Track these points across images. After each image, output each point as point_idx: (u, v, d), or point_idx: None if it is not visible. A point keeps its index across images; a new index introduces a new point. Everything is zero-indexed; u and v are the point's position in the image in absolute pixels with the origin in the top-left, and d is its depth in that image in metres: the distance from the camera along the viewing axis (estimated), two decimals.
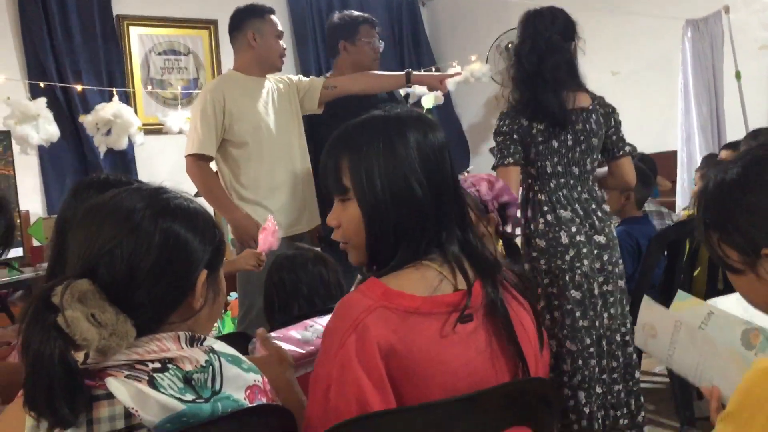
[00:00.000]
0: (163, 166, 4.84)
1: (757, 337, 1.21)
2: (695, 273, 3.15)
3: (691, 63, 4.44)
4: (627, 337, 2.52)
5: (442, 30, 6.58)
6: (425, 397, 1.10)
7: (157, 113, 5.06)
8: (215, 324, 3.50)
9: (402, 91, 4.39)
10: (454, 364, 1.14)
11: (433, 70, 5.85)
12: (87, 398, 0.95)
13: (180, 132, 4.62)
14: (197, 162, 2.95)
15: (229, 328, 3.80)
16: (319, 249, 2.31)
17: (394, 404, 1.09)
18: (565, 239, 2.45)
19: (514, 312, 1.23)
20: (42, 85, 4.49)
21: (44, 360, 0.92)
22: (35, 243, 4.20)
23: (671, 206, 4.29)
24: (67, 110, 4.69)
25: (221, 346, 1.07)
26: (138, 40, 5.17)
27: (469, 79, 5.40)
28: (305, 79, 3.36)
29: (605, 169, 2.68)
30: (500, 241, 2.03)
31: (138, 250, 1.02)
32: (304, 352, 1.46)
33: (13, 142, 4.06)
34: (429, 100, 5.42)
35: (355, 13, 3.53)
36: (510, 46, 4.84)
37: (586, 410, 2.41)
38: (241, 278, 3.02)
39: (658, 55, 4.84)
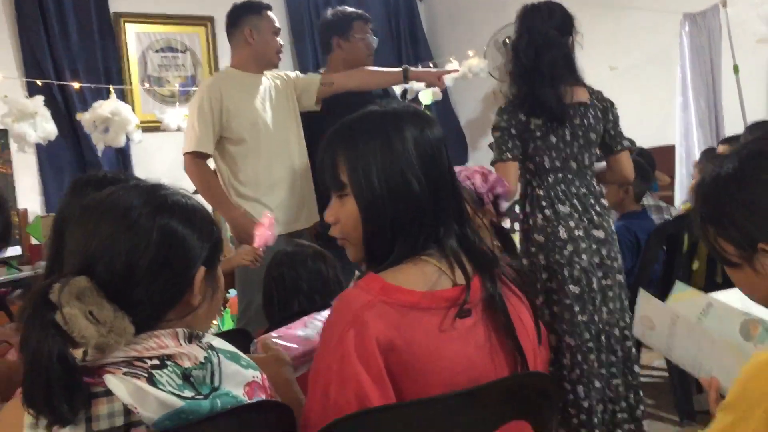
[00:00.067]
0: (161, 163, 4.83)
1: (756, 328, 1.21)
2: (694, 267, 3.15)
3: (689, 57, 4.43)
4: (626, 332, 2.52)
5: (439, 25, 6.57)
6: (424, 392, 1.10)
7: (155, 110, 5.05)
8: (214, 321, 3.50)
9: (400, 87, 4.39)
10: (453, 359, 1.14)
11: (431, 65, 5.84)
12: (85, 395, 0.95)
13: (178, 129, 4.61)
14: (195, 160, 2.95)
15: (228, 325, 3.80)
16: (317, 245, 2.30)
17: (393, 399, 1.09)
18: (563, 234, 2.45)
19: (513, 306, 1.23)
20: (39, 82, 4.47)
21: (43, 357, 0.92)
22: (34, 241, 4.20)
23: (670, 200, 4.30)
24: (64, 108, 4.68)
25: (220, 343, 1.07)
26: (135, 37, 5.16)
27: (467, 74, 5.39)
28: (302, 75, 3.36)
29: (604, 163, 2.68)
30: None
31: (136, 247, 1.02)
32: (303, 350, 1.46)
33: (11, 140, 4.05)
34: (427, 95, 5.41)
35: (349, 9, 3.51)
36: (507, 41, 4.83)
37: (586, 404, 2.41)
38: (240, 275, 3.01)
39: (656, 49, 4.83)
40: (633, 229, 3.21)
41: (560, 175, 2.50)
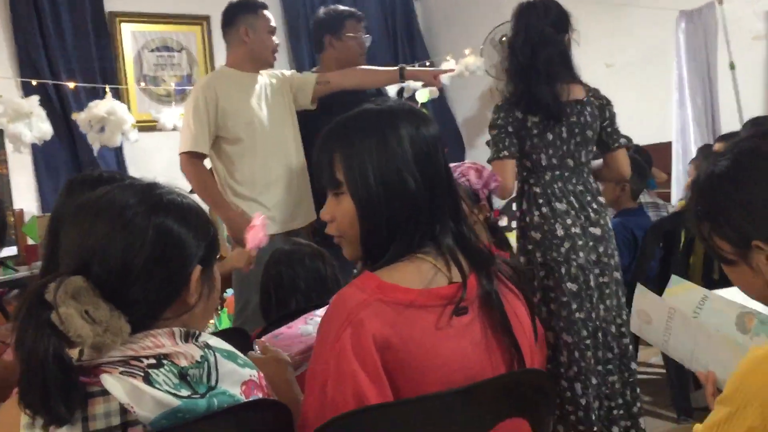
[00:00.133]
0: (157, 163, 4.82)
1: (752, 320, 1.22)
2: (690, 263, 3.16)
3: (685, 54, 4.43)
4: (623, 328, 2.52)
5: (435, 23, 6.56)
6: (421, 390, 1.11)
7: (151, 110, 5.03)
8: (211, 320, 3.50)
9: (396, 86, 4.38)
10: (449, 357, 1.14)
11: (427, 63, 5.84)
12: (82, 395, 0.95)
13: (174, 129, 4.60)
14: (191, 160, 2.94)
15: (225, 324, 3.80)
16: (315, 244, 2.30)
17: (390, 397, 1.09)
18: (560, 231, 2.45)
19: (509, 304, 1.23)
20: (34, 82, 4.46)
21: (39, 357, 0.92)
22: (29, 241, 4.18)
23: (667, 197, 4.30)
24: (59, 108, 4.66)
25: (216, 342, 1.07)
26: (130, 36, 5.15)
27: (464, 72, 5.38)
28: (298, 74, 3.35)
29: (600, 161, 2.69)
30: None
31: (131, 246, 1.02)
32: (305, 346, 1.46)
33: (6, 140, 4.04)
34: (423, 94, 5.41)
35: (341, 7, 3.50)
36: (504, 39, 4.84)
37: (583, 401, 2.42)
38: (237, 274, 3.01)
39: (653, 46, 4.84)
40: (629, 226, 3.22)
41: (557, 172, 2.50)
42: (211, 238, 1.12)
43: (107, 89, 4.51)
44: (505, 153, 2.47)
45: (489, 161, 2.53)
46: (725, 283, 1.29)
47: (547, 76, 2.46)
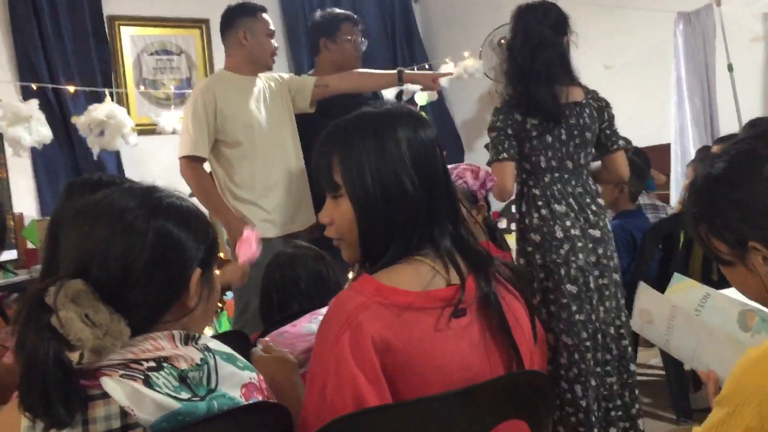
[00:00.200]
0: (157, 166, 4.82)
1: (753, 318, 1.22)
2: (689, 264, 3.16)
3: (683, 56, 4.44)
4: (622, 330, 2.53)
5: (434, 26, 6.57)
6: (421, 392, 1.11)
7: (150, 113, 5.04)
8: (211, 323, 3.50)
9: (395, 89, 4.38)
10: (448, 359, 1.14)
11: (426, 66, 5.85)
12: (82, 398, 0.95)
13: (173, 132, 4.60)
14: (191, 164, 2.94)
15: (225, 327, 3.80)
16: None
17: (389, 399, 1.09)
18: (559, 233, 2.45)
19: (508, 305, 1.23)
20: (34, 86, 4.47)
21: (39, 361, 0.92)
22: (29, 245, 4.19)
23: (666, 199, 4.31)
24: (59, 112, 4.67)
25: (216, 345, 1.07)
26: (130, 40, 5.16)
27: (462, 75, 5.39)
28: (297, 77, 3.35)
29: (599, 162, 2.69)
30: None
31: (131, 249, 1.02)
32: (309, 345, 1.46)
33: (6, 144, 4.04)
34: (422, 97, 5.41)
35: (337, 10, 3.51)
36: (503, 41, 4.84)
37: (583, 403, 2.42)
38: None
39: (651, 48, 4.84)
40: (628, 228, 3.22)
41: (556, 174, 2.51)
42: (211, 241, 1.12)
43: (107, 93, 4.52)
44: (505, 155, 2.47)
45: (488, 163, 2.54)
46: (724, 284, 1.29)
47: (546, 79, 2.46)
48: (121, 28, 5.11)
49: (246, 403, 1.04)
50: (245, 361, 1.10)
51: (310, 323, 1.55)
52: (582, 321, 2.43)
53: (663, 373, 3.33)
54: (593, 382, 2.43)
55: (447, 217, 1.23)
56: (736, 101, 4.18)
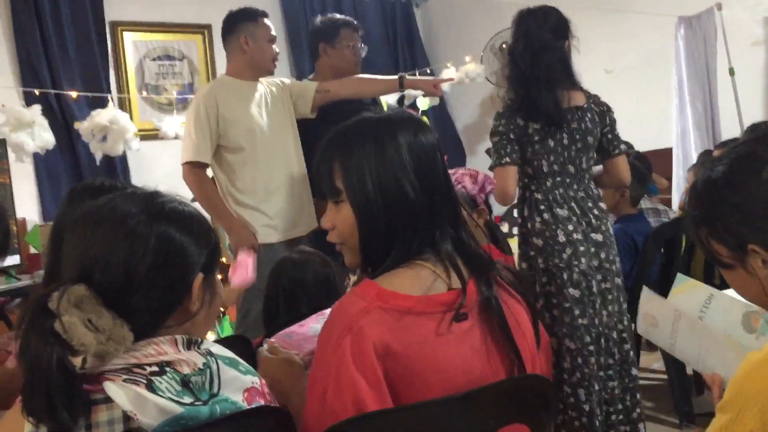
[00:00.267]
0: (159, 171, 4.83)
1: (758, 320, 1.22)
2: (691, 268, 3.16)
3: (684, 60, 4.45)
4: (624, 334, 2.53)
5: (435, 31, 6.59)
6: (422, 396, 1.11)
7: (153, 119, 5.05)
8: (214, 328, 3.50)
9: (396, 94, 4.39)
10: (450, 363, 1.14)
11: (428, 71, 5.86)
12: (85, 403, 0.96)
13: (176, 137, 4.61)
14: (194, 169, 2.94)
15: (227, 332, 3.80)
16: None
17: (390, 404, 1.09)
18: (562, 237, 2.45)
19: (510, 309, 1.23)
20: (37, 92, 4.48)
21: (42, 366, 0.93)
22: (32, 250, 4.19)
23: (668, 203, 4.31)
24: (61, 117, 4.68)
25: (219, 349, 1.08)
26: (132, 45, 5.17)
27: (464, 79, 5.40)
28: (298, 82, 3.36)
29: (600, 167, 2.69)
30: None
31: (133, 254, 1.02)
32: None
33: (9, 149, 4.05)
34: (424, 101, 5.42)
35: (337, 16, 3.51)
36: (504, 46, 4.85)
37: (587, 407, 2.42)
38: None
39: (652, 52, 4.85)
40: (630, 232, 3.22)
41: (558, 178, 2.51)
42: (213, 245, 1.13)
43: (109, 98, 4.53)
44: (507, 159, 2.48)
45: (491, 168, 2.54)
46: (726, 288, 1.29)
47: (547, 83, 2.46)
48: (124, 33, 5.13)
49: (248, 407, 1.04)
50: (247, 365, 1.10)
51: (317, 323, 1.54)
52: (585, 325, 2.43)
53: (665, 377, 3.32)
54: (596, 387, 2.43)
55: (448, 221, 1.23)
56: (738, 105, 4.18)
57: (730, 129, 4.20)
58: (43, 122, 3.98)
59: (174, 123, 4.74)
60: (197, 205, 2.58)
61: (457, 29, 6.25)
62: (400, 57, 6.34)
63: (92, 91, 4.74)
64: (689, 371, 3.12)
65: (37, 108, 4.02)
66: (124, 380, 0.96)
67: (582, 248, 2.45)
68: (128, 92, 5.07)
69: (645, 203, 3.66)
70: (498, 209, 4.34)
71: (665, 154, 4.53)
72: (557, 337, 2.45)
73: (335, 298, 1.91)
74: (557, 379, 2.44)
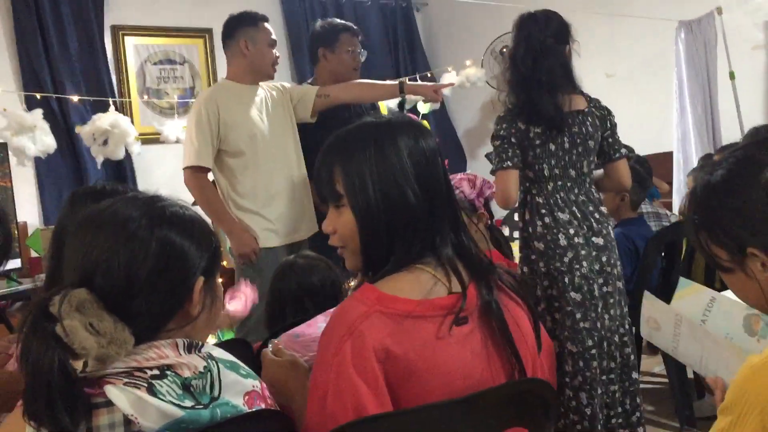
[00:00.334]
0: (160, 175, 4.84)
1: (758, 322, 1.22)
2: (692, 272, 3.16)
3: (685, 64, 4.45)
4: (625, 338, 2.53)
5: (436, 35, 6.60)
6: (422, 400, 1.11)
7: (154, 122, 5.06)
8: (214, 331, 3.50)
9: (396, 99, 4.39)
10: (450, 367, 1.14)
11: (428, 75, 5.87)
12: (86, 406, 0.96)
13: (177, 141, 4.62)
14: (195, 174, 2.95)
15: (228, 335, 3.80)
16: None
17: (390, 408, 1.10)
18: (563, 241, 2.45)
19: (510, 313, 1.23)
20: (38, 96, 4.49)
21: (44, 369, 0.93)
22: (33, 254, 4.19)
23: (669, 207, 4.31)
24: (62, 121, 4.69)
25: (219, 353, 1.08)
26: (133, 50, 5.18)
27: (465, 83, 5.41)
28: (298, 86, 3.36)
29: (601, 171, 2.69)
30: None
31: (135, 258, 1.03)
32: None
33: (10, 153, 4.06)
34: (425, 105, 5.43)
35: (337, 20, 3.52)
36: (504, 50, 4.86)
37: (588, 411, 2.41)
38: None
39: (653, 56, 4.86)
40: (631, 236, 3.22)
41: (559, 182, 2.51)
42: (214, 249, 1.13)
43: (110, 102, 4.54)
44: (509, 163, 2.48)
45: (492, 172, 2.54)
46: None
47: (548, 87, 2.47)
48: (125, 37, 5.14)
49: (249, 410, 1.04)
50: (248, 369, 1.10)
51: (324, 323, 1.54)
52: (587, 329, 2.43)
53: (666, 381, 3.32)
54: (599, 390, 2.43)
55: (449, 225, 1.23)
56: (738, 109, 4.18)
57: (731, 133, 4.20)
58: (45, 126, 3.99)
59: (175, 127, 4.76)
60: (198, 210, 2.59)
61: (458, 33, 6.26)
62: (401, 61, 6.35)
63: (94, 96, 4.75)
64: (690, 375, 3.12)
65: (38, 112, 4.02)
66: (125, 384, 0.96)
67: (583, 252, 2.45)
68: (129, 96, 5.08)
69: (646, 207, 3.65)
70: (499, 213, 4.34)
71: (666, 158, 4.53)
72: (559, 340, 2.45)
73: (341, 300, 1.91)
74: (559, 383, 2.43)
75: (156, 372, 0.99)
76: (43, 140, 3.97)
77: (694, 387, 3.22)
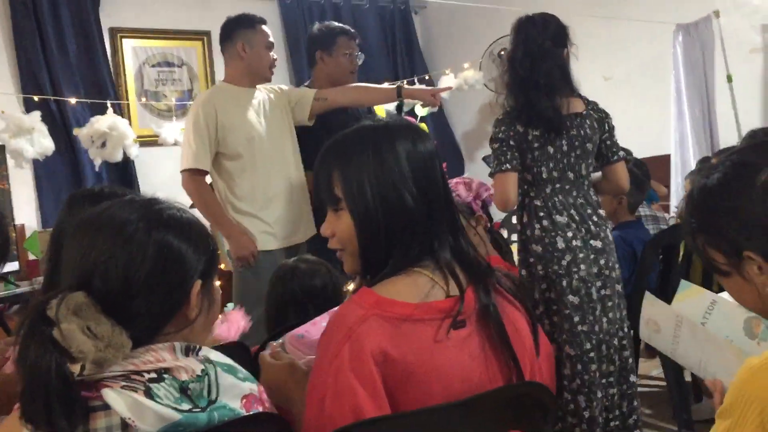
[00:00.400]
0: (158, 178, 4.84)
1: (759, 325, 1.22)
2: (689, 275, 3.16)
3: (682, 67, 4.46)
4: (624, 341, 2.53)
5: (434, 37, 6.60)
6: (420, 403, 1.11)
7: (152, 125, 5.06)
8: (212, 334, 3.48)
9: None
10: (448, 370, 1.14)
11: (426, 77, 5.87)
12: (84, 409, 0.96)
13: (175, 143, 4.62)
14: (193, 177, 2.95)
15: None
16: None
17: (388, 411, 1.09)
18: (561, 244, 2.46)
19: (508, 317, 1.23)
20: (36, 98, 4.49)
21: (41, 373, 0.93)
22: (31, 257, 4.19)
23: (666, 210, 4.31)
24: (61, 123, 4.69)
25: (217, 356, 1.08)
26: (132, 52, 5.18)
27: (463, 86, 5.41)
28: (296, 89, 3.36)
29: (599, 173, 2.70)
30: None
31: (132, 261, 1.03)
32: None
33: (8, 155, 4.05)
34: (423, 108, 5.44)
35: (335, 23, 3.52)
36: (502, 53, 4.86)
37: (586, 414, 2.41)
38: (237, 289, 3.01)
39: (650, 59, 4.87)
40: (629, 240, 3.22)
41: (558, 185, 2.51)
42: (211, 252, 1.13)
43: (108, 105, 4.53)
44: (507, 166, 2.48)
45: (491, 175, 2.54)
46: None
47: (547, 90, 2.47)
48: (123, 40, 5.14)
49: (246, 414, 1.04)
50: (246, 372, 1.10)
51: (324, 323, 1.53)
52: (585, 332, 2.43)
53: (664, 384, 3.32)
54: (599, 394, 2.43)
55: (447, 228, 1.23)
56: (736, 112, 4.19)
57: (728, 136, 4.21)
58: (43, 128, 3.99)
59: (173, 129, 4.75)
60: (196, 212, 2.59)
61: (456, 36, 6.26)
62: (399, 63, 6.35)
63: (92, 98, 4.75)
64: (688, 378, 3.12)
65: (36, 114, 4.02)
66: (123, 387, 0.96)
67: (581, 255, 2.46)
68: (127, 99, 5.08)
69: (644, 210, 3.65)
70: (497, 216, 4.34)
71: (663, 161, 4.54)
72: (557, 343, 2.46)
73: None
74: (557, 386, 2.43)
75: (153, 375, 0.98)
76: (41, 142, 3.97)
77: (692, 390, 3.22)
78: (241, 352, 1.54)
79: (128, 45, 5.16)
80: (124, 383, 0.97)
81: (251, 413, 1.05)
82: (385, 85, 4.29)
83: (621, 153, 2.64)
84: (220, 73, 5.22)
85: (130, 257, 1.03)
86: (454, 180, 2.36)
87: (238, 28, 3.07)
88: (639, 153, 3.91)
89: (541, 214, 2.50)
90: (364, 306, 1.13)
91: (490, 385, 1.18)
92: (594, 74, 4.52)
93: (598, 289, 2.47)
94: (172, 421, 0.95)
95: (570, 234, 2.46)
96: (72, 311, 0.96)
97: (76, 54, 4.85)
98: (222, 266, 3.48)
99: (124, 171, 4.91)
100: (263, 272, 2.78)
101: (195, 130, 2.93)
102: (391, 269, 1.19)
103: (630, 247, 3.20)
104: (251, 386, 1.08)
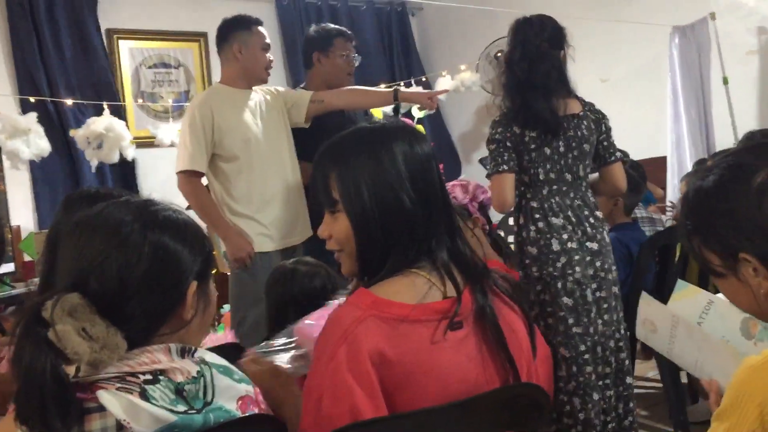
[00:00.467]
0: (155, 179, 4.83)
1: (756, 326, 1.22)
2: (686, 276, 3.16)
3: (679, 69, 4.47)
4: (620, 343, 2.53)
5: (431, 39, 6.60)
6: (417, 404, 1.11)
7: (149, 126, 5.05)
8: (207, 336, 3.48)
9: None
10: (445, 371, 1.15)
11: (423, 79, 5.87)
12: (79, 411, 0.95)
13: (172, 145, 4.61)
14: (189, 178, 2.94)
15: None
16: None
17: (385, 412, 1.10)
18: (556, 246, 2.46)
19: (505, 318, 1.24)
20: (32, 99, 4.48)
21: (36, 374, 0.93)
22: (27, 258, 4.18)
23: (663, 212, 4.31)
24: (58, 125, 4.68)
25: (212, 357, 1.08)
26: (128, 53, 5.18)
27: (459, 88, 5.41)
28: (292, 91, 3.36)
29: (596, 175, 2.70)
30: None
31: (127, 263, 1.02)
32: None
33: (4, 157, 4.05)
34: (420, 110, 5.44)
35: (331, 25, 3.52)
36: (499, 54, 4.86)
37: (582, 416, 2.41)
38: (234, 291, 3.01)
39: (647, 61, 4.87)
40: (625, 241, 3.22)
41: (555, 187, 2.51)
42: (207, 253, 1.13)
43: (105, 106, 4.53)
44: (504, 167, 2.48)
45: (488, 176, 2.54)
46: None
47: (544, 91, 2.47)
48: (120, 41, 5.13)
49: (242, 415, 1.04)
50: (241, 373, 1.10)
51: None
52: (580, 334, 2.43)
53: (660, 385, 3.32)
54: (595, 396, 2.43)
55: (444, 230, 1.23)
56: (732, 114, 4.20)
57: (724, 138, 4.22)
58: (39, 130, 3.98)
59: (170, 131, 4.75)
60: (192, 214, 2.58)
61: (453, 38, 6.26)
62: (396, 65, 6.36)
63: (88, 99, 4.74)
64: (684, 379, 3.12)
65: (32, 115, 4.02)
66: (118, 388, 0.96)
67: (577, 257, 2.46)
68: (124, 100, 5.07)
69: (640, 212, 3.66)
70: (494, 217, 4.35)
71: (660, 163, 4.54)
72: (552, 345, 2.45)
73: None
74: (553, 388, 2.43)
75: (149, 377, 0.98)
76: (38, 144, 3.96)
77: (688, 392, 3.23)
78: (236, 353, 1.54)
79: (125, 46, 5.16)
80: (119, 385, 0.96)
81: (247, 414, 1.05)
82: (382, 87, 4.29)
83: (618, 154, 2.65)
84: (216, 74, 5.21)
85: (126, 258, 1.02)
86: (451, 183, 2.36)
87: (234, 30, 3.06)
88: (635, 155, 3.92)
89: (537, 216, 2.50)
90: (361, 307, 1.14)
91: (487, 386, 1.18)
92: (591, 76, 4.52)
93: (594, 291, 2.47)
94: (168, 423, 0.95)
95: (565, 236, 2.47)
96: (67, 312, 0.96)
97: (72, 55, 4.84)
98: (214, 271, 3.47)
99: (126, 173, 4.91)
100: (260, 274, 2.78)
101: (191, 131, 2.93)
102: (388, 270, 1.19)
103: (626, 248, 3.20)
104: (247, 388, 1.08)
